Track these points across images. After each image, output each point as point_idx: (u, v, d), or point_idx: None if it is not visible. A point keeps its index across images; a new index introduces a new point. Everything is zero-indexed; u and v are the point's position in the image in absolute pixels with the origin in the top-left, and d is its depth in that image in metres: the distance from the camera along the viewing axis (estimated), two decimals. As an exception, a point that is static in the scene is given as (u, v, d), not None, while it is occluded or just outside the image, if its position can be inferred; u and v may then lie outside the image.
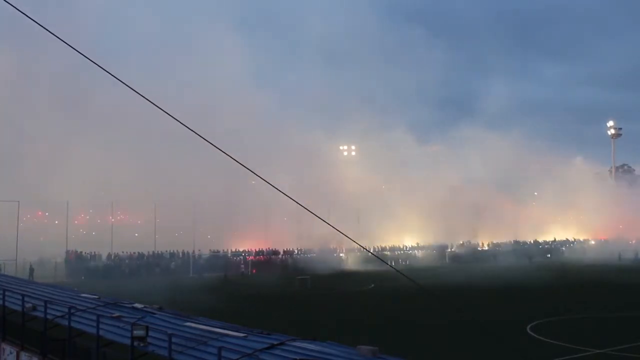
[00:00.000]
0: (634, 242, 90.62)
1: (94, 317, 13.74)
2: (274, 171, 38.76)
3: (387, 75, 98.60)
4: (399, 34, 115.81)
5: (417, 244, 79.95)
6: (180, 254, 64.45)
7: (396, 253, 75.94)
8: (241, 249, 68.24)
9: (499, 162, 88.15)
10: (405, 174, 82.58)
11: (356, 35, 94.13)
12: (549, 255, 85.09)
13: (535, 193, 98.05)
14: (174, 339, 11.29)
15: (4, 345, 17.45)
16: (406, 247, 79.35)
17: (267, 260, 67.85)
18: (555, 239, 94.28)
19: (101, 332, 13.37)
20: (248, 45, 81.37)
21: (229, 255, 66.57)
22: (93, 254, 60.58)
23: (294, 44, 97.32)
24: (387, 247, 76.11)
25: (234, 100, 72.03)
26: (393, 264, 55.88)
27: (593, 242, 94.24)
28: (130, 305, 15.79)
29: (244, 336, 11.43)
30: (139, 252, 62.49)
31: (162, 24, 72.73)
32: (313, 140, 77.61)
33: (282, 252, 69.43)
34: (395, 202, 77.44)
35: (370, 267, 59.39)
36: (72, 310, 15.00)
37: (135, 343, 11.89)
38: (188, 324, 13.04)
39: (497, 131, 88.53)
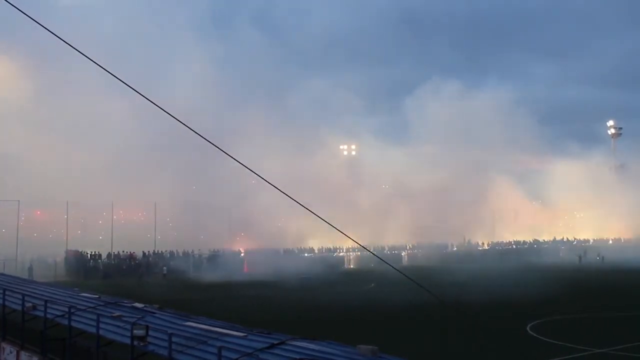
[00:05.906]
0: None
1: (94, 317, 13.74)
2: (273, 170, 38.74)
3: (384, 75, 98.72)
4: (394, 33, 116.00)
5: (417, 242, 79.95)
6: (180, 254, 64.46)
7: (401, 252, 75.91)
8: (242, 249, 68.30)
9: (497, 161, 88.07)
10: (404, 173, 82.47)
11: (355, 35, 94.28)
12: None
13: (535, 193, 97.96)
14: (174, 339, 11.28)
15: (4, 345, 17.44)
16: (407, 247, 79.27)
17: None
18: (555, 238, 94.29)
19: (101, 332, 13.36)
20: (246, 44, 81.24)
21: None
22: (93, 253, 60.66)
23: (294, 44, 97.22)
24: (387, 247, 76.09)
25: (233, 99, 72.07)
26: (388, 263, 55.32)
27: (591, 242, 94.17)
28: (130, 305, 15.79)
29: (244, 336, 11.41)
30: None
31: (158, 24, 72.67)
32: (313, 140, 77.54)
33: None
34: (395, 201, 77.34)
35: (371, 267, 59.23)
36: (72, 310, 14.99)
37: (136, 342, 11.88)
38: (188, 323, 13.02)
39: (495, 131, 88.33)
